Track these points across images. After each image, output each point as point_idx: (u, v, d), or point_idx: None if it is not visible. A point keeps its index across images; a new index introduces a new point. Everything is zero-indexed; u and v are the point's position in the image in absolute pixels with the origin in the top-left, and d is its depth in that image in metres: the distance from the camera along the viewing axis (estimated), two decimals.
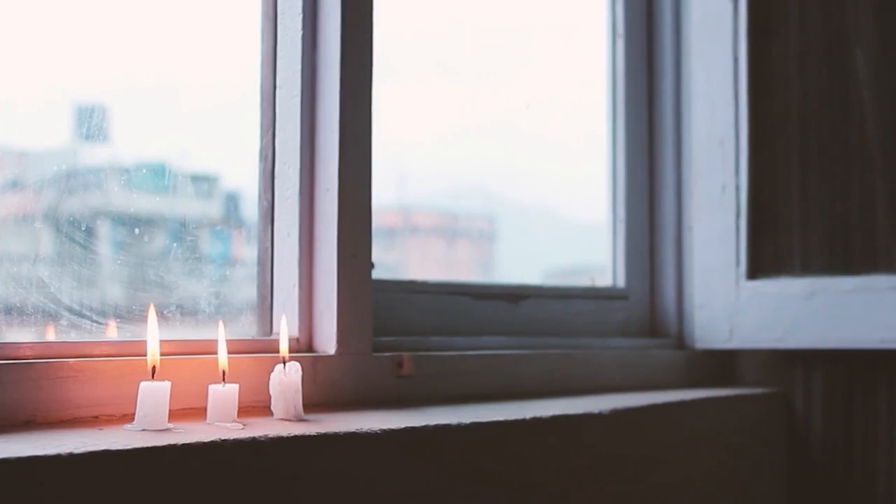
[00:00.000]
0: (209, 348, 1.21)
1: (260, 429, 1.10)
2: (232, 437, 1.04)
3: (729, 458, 1.67)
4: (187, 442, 1.01)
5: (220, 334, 1.18)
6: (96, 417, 1.13)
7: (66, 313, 1.24)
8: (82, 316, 1.26)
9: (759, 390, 1.78)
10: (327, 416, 1.23)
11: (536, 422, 1.32)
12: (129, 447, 0.97)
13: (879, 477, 1.72)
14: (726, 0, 1.83)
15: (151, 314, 1.13)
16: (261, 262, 1.41)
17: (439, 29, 1.78)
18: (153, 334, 1.12)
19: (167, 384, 1.10)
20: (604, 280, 1.90)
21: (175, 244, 1.38)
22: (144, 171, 1.39)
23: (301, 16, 1.40)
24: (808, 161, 1.78)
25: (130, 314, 1.30)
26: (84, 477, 0.93)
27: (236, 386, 1.16)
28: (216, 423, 1.13)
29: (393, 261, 1.89)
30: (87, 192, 1.34)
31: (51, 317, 1.23)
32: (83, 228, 1.28)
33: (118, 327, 1.28)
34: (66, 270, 1.26)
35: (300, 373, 1.21)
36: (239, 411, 1.16)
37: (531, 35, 1.89)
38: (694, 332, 1.85)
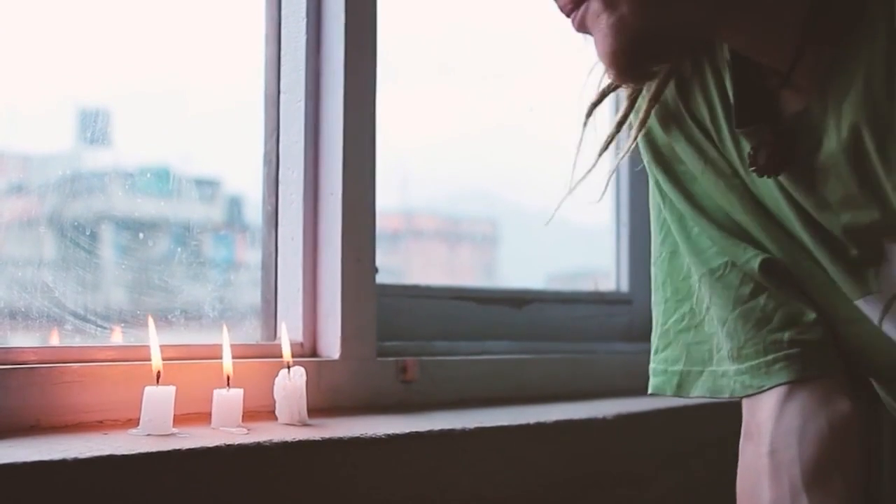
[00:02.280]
0: (213, 353, 1.21)
1: (264, 434, 1.10)
2: (236, 442, 1.04)
3: (734, 463, 1.66)
4: (192, 447, 1.01)
5: (224, 339, 1.18)
6: (101, 422, 1.13)
7: (70, 318, 1.24)
8: (86, 320, 1.25)
9: None
10: (331, 421, 1.23)
11: (540, 427, 1.32)
12: (133, 452, 0.97)
13: (883, 477, 1.71)
14: None
15: (151, 324, 1.13)
16: (265, 267, 1.41)
17: (442, 32, 1.78)
18: (156, 340, 1.12)
19: (172, 389, 1.10)
20: (607, 284, 1.90)
21: (179, 248, 1.38)
22: (148, 175, 1.39)
23: (305, 20, 1.40)
24: None
25: (135, 319, 1.30)
26: (89, 482, 0.93)
27: (241, 391, 1.16)
28: (221, 428, 1.13)
29: (396, 265, 1.89)
30: (90, 197, 1.34)
31: (55, 321, 1.23)
32: (87, 233, 1.28)
33: (122, 332, 1.28)
34: (70, 275, 1.26)
35: (304, 377, 1.21)
36: (243, 416, 1.16)
37: (534, 38, 1.89)
38: None
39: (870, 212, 0.92)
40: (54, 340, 1.23)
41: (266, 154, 1.42)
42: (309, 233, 1.39)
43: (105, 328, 1.27)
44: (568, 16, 0.93)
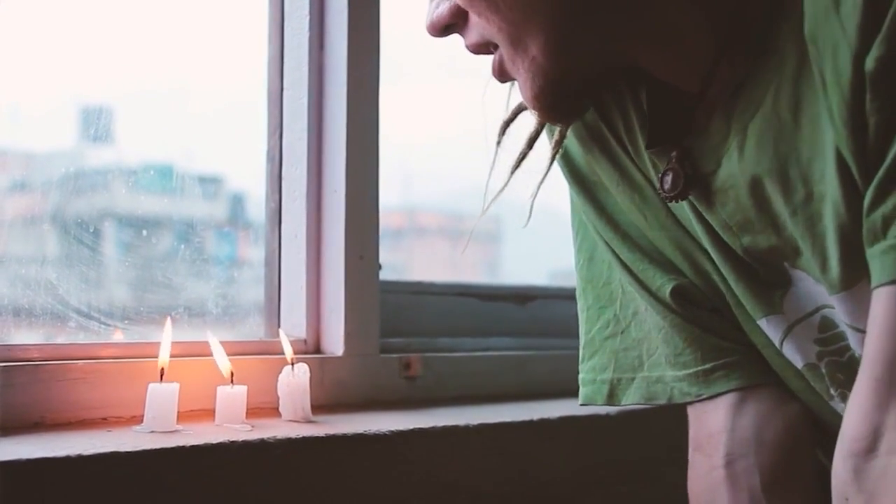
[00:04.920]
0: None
1: (268, 430, 1.10)
2: (240, 439, 1.04)
3: None
4: (196, 443, 1.01)
5: (213, 342, 1.18)
6: (105, 419, 1.13)
7: (74, 315, 1.24)
8: (90, 318, 1.26)
9: None
10: (335, 418, 1.23)
11: (544, 423, 1.32)
12: (137, 449, 0.97)
13: None
14: None
15: (168, 324, 1.13)
16: (268, 264, 1.41)
17: None
18: (169, 337, 1.12)
19: (175, 386, 1.10)
20: None
21: (182, 245, 1.38)
22: (151, 172, 1.39)
23: (308, 17, 1.39)
24: None
25: (138, 316, 1.30)
26: (93, 478, 0.93)
27: (244, 387, 1.16)
28: (225, 425, 1.13)
29: (399, 262, 1.89)
30: (93, 194, 1.34)
31: (59, 319, 1.23)
32: (90, 230, 1.28)
33: (126, 329, 1.28)
34: (73, 272, 1.26)
35: (308, 374, 1.21)
36: (247, 413, 1.16)
37: None
38: None
39: (767, 237, 0.90)
40: (58, 338, 1.23)
41: (269, 151, 1.42)
42: (312, 230, 1.39)
43: (109, 325, 1.27)
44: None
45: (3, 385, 1.06)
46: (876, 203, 0.77)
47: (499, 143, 1.03)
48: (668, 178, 0.93)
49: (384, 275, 1.43)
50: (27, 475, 0.89)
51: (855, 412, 0.79)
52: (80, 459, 0.92)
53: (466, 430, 1.23)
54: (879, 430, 0.76)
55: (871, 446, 0.77)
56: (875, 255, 0.77)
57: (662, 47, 0.89)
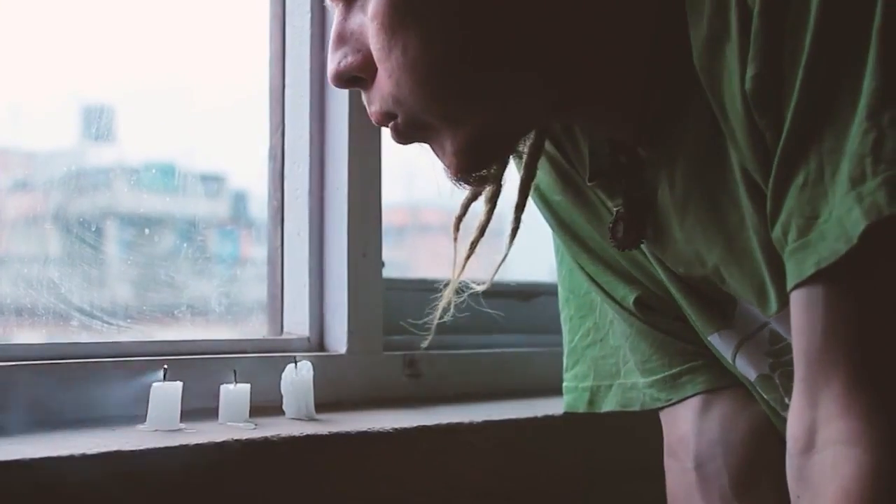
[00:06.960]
0: (220, 348, 1.21)
1: (272, 429, 1.09)
2: (244, 437, 1.04)
3: None
4: (199, 442, 1.01)
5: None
6: (108, 418, 1.13)
7: (76, 314, 1.24)
8: (93, 316, 1.25)
9: None
10: (339, 416, 1.23)
11: (549, 420, 1.31)
12: (141, 447, 0.96)
13: None
14: None
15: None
16: (271, 262, 1.41)
17: None
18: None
19: (179, 384, 1.10)
20: None
21: (185, 244, 1.38)
22: (153, 171, 1.39)
23: (309, 14, 1.39)
24: None
25: (141, 314, 1.30)
26: (97, 477, 0.93)
27: (247, 386, 1.16)
28: (228, 423, 1.13)
29: (402, 259, 1.89)
30: (95, 193, 1.34)
31: (61, 318, 1.23)
32: (92, 229, 1.28)
33: (129, 327, 1.28)
34: (76, 271, 1.26)
35: (311, 372, 1.21)
36: (250, 411, 1.16)
37: None
38: None
39: (697, 268, 0.92)
40: (61, 337, 1.23)
41: (271, 149, 1.42)
42: (315, 228, 1.39)
43: (111, 324, 1.27)
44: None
45: (5, 385, 1.06)
46: (774, 215, 0.78)
47: (455, 238, 1.05)
48: (620, 229, 0.95)
49: (387, 272, 1.43)
50: (31, 475, 0.89)
51: (792, 414, 0.81)
52: (84, 459, 0.92)
53: (470, 427, 1.23)
54: (813, 427, 0.77)
55: (809, 444, 0.78)
56: (785, 263, 0.79)
57: (590, 108, 0.90)
